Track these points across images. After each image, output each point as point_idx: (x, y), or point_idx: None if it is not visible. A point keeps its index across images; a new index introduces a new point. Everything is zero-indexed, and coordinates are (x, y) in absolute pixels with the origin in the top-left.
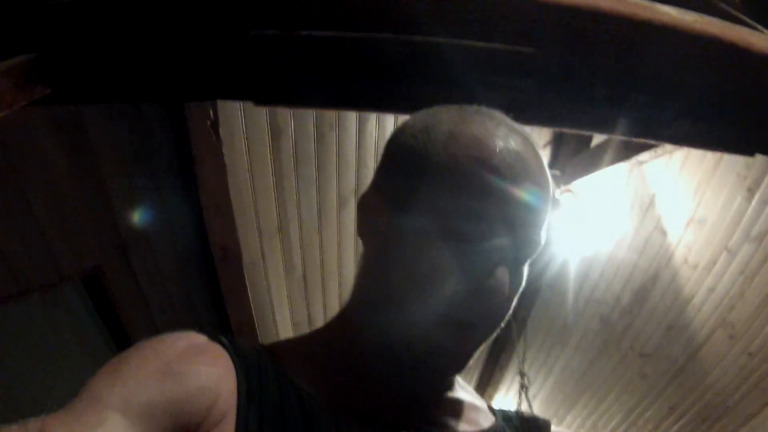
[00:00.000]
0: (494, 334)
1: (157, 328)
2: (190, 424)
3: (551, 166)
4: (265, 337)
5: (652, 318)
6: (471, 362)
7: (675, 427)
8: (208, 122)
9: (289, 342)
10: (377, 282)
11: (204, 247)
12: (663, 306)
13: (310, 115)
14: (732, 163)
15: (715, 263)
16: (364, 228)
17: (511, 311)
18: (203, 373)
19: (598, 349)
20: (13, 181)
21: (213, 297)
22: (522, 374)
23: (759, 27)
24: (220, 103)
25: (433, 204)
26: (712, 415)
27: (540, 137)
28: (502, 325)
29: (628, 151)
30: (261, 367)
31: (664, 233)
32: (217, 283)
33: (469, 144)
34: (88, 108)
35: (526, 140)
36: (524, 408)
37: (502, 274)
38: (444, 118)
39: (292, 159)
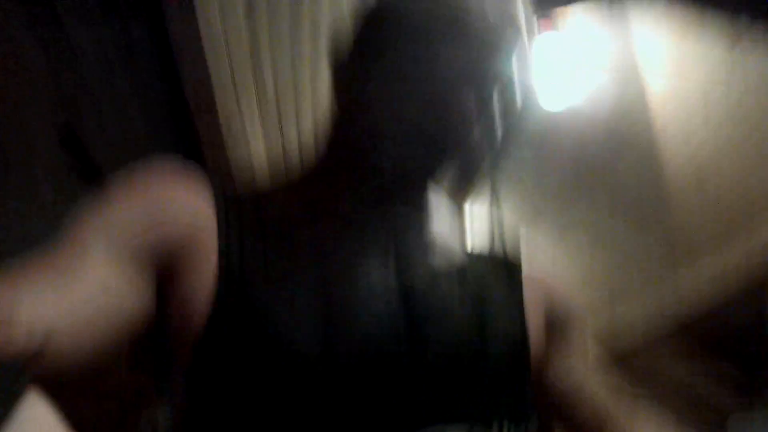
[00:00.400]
0: (460, 149)
1: None
2: (174, 260)
3: None
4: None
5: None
6: (438, 174)
7: None
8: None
9: (271, 184)
10: (355, 111)
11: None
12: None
13: None
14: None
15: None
16: (339, 82)
17: (477, 133)
18: (184, 210)
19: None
20: None
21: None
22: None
23: None
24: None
25: (393, 58)
26: None
27: None
28: (469, 143)
29: None
30: (240, 201)
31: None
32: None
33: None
34: None
35: None
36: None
37: (459, 90)
38: None
39: None
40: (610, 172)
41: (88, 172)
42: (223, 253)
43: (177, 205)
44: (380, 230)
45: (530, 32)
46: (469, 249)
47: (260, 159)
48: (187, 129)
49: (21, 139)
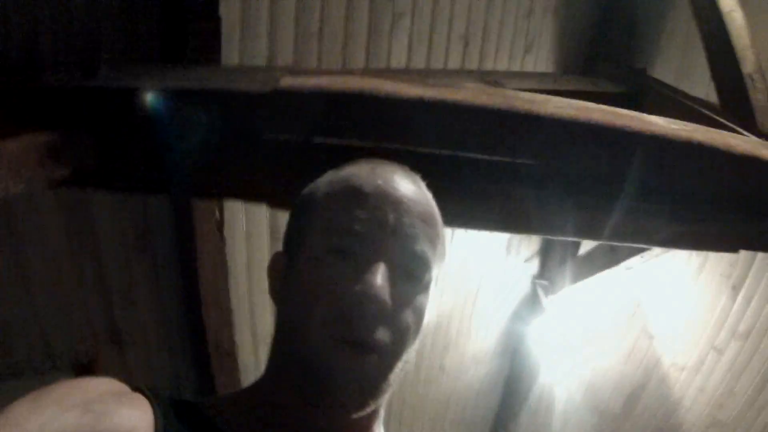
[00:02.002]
0: (392, 361)
1: None
2: None
3: (540, 276)
4: None
5: (641, 422)
6: (373, 399)
7: None
8: (214, 221)
9: (231, 394)
10: (283, 323)
11: (199, 342)
12: (653, 410)
13: None
14: (716, 262)
15: (703, 363)
16: (272, 285)
17: (410, 334)
18: (121, 415)
19: None
20: (14, 257)
21: (204, 391)
22: None
23: (739, 130)
24: (226, 203)
25: (314, 230)
26: None
27: (528, 247)
28: (398, 347)
29: (615, 258)
30: (185, 418)
31: (651, 337)
32: (210, 380)
33: (342, 177)
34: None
35: (401, 172)
36: None
37: (371, 278)
38: (330, 171)
39: None
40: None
41: None
42: None
43: (116, 418)
44: None
45: (538, 306)
46: None
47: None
48: (196, 321)
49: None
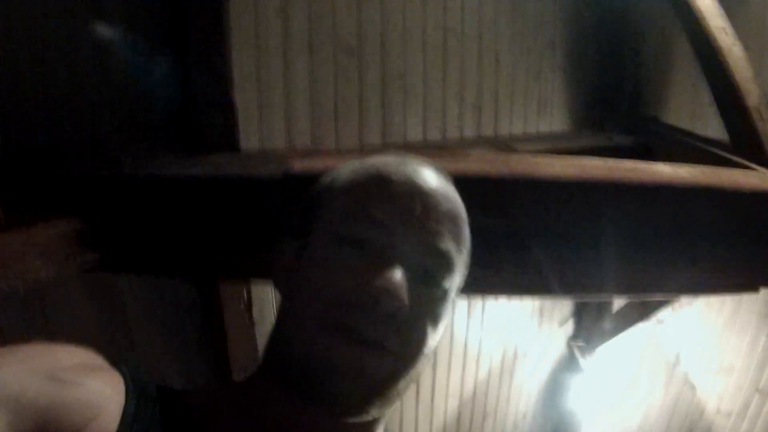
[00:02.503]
0: (398, 367)
1: None
2: None
3: (575, 336)
4: None
5: None
6: (371, 403)
7: None
8: (242, 305)
9: (220, 387)
10: (284, 314)
11: None
12: None
13: None
14: (752, 303)
15: (748, 407)
16: (277, 277)
17: (423, 345)
18: (89, 389)
19: None
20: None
21: None
22: None
23: (748, 164)
24: (253, 286)
25: (331, 217)
26: None
27: (561, 311)
28: (407, 355)
29: (646, 312)
30: (161, 406)
31: (693, 387)
32: None
33: (368, 164)
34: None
35: (432, 168)
36: None
37: (392, 274)
38: (353, 160)
39: None
40: None
41: None
42: None
43: (83, 391)
44: None
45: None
46: None
47: None
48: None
49: None
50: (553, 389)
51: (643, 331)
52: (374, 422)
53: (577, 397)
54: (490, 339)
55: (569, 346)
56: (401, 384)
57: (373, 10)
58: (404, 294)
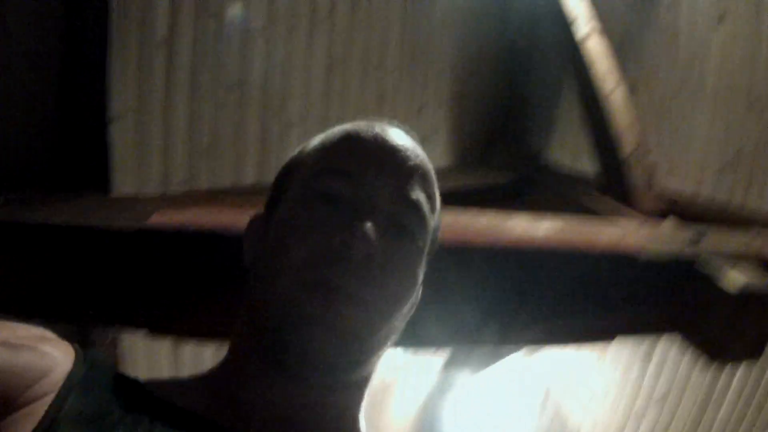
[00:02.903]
0: (376, 319)
1: None
2: (4, 396)
3: (449, 365)
4: None
5: None
6: (349, 357)
7: None
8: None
9: (188, 377)
10: (254, 281)
11: None
12: None
13: None
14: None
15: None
16: (248, 250)
17: (399, 297)
18: (40, 352)
19: None
20: None
21: None
22: None
23: (623, 209)
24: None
25: (301, 176)
26: None
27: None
28: (383, 306)
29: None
30: (107, 373)
31: (566, 414)
32: None
33: (337, 128)
34: None
35: (399, 129)
36: None
37: (363, 221)
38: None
39: None
40: None
41: None
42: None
43: (32, 355)
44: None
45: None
46: None
47: None
48: None
49: None
50: (427, 419)
51: (516, 360)
52: (355, 388)
53: (450, 426)
54: None
55: (443, 375)
56: (375, 340)
57: (260, 42)
58: (375, 239)
